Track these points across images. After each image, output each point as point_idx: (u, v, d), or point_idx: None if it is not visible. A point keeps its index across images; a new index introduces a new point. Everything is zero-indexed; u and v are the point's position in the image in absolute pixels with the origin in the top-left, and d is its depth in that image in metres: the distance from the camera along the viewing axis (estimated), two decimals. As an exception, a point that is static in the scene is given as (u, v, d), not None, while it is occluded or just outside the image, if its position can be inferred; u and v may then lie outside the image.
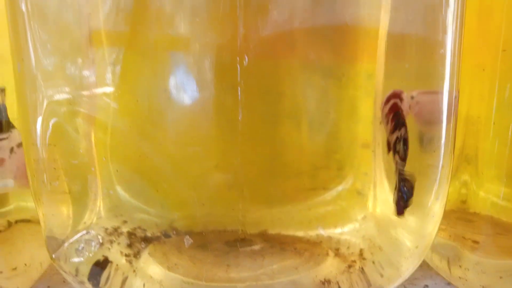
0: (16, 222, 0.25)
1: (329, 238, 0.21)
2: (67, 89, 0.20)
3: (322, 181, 0.22)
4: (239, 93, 0.20)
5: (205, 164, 0.21)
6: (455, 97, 0.21)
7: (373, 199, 0.22)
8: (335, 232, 0.22)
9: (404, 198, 0.20)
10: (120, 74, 0.20)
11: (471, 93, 0.26)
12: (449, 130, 0.21)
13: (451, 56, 0.21)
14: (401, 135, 0.20)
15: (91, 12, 0.20)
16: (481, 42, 0.25)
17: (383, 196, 0.22)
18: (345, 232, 0.22)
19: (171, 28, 0.20)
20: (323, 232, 0.22)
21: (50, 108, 0.20)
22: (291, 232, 0.22)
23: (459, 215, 0.25)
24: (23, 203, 0.25)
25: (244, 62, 0.19)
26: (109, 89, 0.20)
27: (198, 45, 0.20)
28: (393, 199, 0.21)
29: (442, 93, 0.21)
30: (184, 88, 0.20)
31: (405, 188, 0.20)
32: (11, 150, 0.24)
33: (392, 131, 0.20)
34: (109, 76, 0.20)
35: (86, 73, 0.20)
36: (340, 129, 0.22)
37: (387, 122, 0.20)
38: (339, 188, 0.22)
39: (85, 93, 0.20)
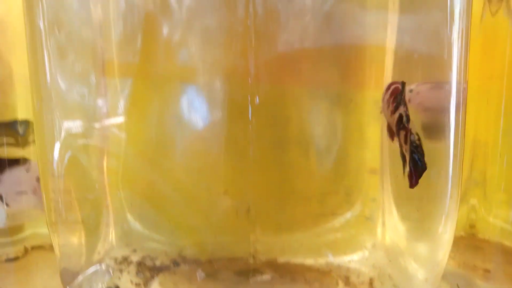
0: (32, 248, 0.25)
1: (339, 266, 0.21)
2: (82, 121, 0.20)
3: (331, 207, 0.22)
4: (249, 118, 0.20)
5: (214, 191, 0.21)
6: (462, 118, 0.21)
7: (382, 226, 0.21)
8: (345, 259, 0.21)
9: (418, 164, 0.19)
10: (130, 104, 0.20)
11: (478, 118, 0.25)
12: (456, 146, 0.21)
13: (457, 73, 0.20)
14: (404, 112, 0.19)
15: (104, 43, 0.20)
16: (487, 67, 0.25)
17: (392, 223, 0.21)
18: (355, 260, 0.21)
19: (181, 58, 0.20)
20: (333, 259, 0.21)
21: (66, 141, 0.20)
22: (300, 259, 0.21)
23: (468, 242, 0.24)
24: (37, 229, 0.25)
25: (255, 94, 0.19)
26: (121, 119, 0.20)
27: (208, 75, 0.20)
28: (406, 172, 0.20)
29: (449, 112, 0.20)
30: (193, 116, 0.20)
31: (417, 156, 0.20)
32: (37, 179, 0.25)
33: (394, 111, 0.19)
34: (120, 106, 0.20)
35: (99, 104, 0.20)
36: (347, 155, 0.21)
37: (388, 106, 0.19)
38: (348, 214, 0.21)
39: (98, 124, 0.20)
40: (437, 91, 0.20)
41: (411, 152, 0.19)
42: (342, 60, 0.20)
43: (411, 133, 0.19)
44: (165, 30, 0.19)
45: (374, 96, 0.21)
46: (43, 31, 0.20)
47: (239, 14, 0.18)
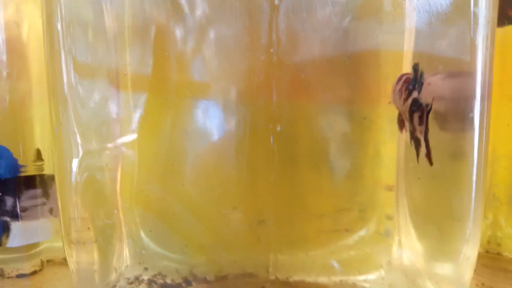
0: (48, 261, 0.25)
1: (354, 285, 0.20)
2: (98, 140, 0.20)
3: (344, 224, 0.21)
4: (261, 135, 0.19)
5: (225, 207, 0.20)
6: (486, 134, 0.20)
7: (398, 245, 0.20)
8: (359, 279, 0.20)
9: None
10: (143, 120, 0.20)
11: (496, 131, 0.24)
12: (480, 160, 0.20)
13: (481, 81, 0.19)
14: (417, 95, 0.19)
15: (119, 59, 0.20)
16: (505, 80, 0.24)
17: (409, 242, 0.20)
18: (370, 279, 0.20)
19: (195, 75, 0.19)
20: (347, 278, 0.20)
21: (83, 161, 0.20)
22: (313, 277, 0.20)
23: (485, 262, 0.23)
24: (51, 243, 0.25)
25: (268, 113, 0.19)
26: (133, 136, 0.20)
27: (219, 90, 0.19)
28: (420, 155, 0.19)
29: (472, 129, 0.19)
30: (204, 132, 0.19)
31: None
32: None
33: (406, 98, 0.19)
34: (133, 122, 0.20)
35: (114, 122, 0.20)
36: (362, 172, 0.21)
37: (400, 95, 0.19)
38: (362, 232, 0.21)
39: (112, 142, 0.20)
40: (450, 80, 0.19)
41: (427, 132, 0.19)
42: (357, 77, 0.20)
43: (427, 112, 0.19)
44: (180, 47, 0.19)
45: (390, 113, 0.20)
46: (63, 55, 0.20)
47: (262, 41, 0.18)
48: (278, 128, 0.19)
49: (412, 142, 0.19)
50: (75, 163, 0.20)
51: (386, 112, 0.20)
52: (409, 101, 0.19)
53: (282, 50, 0.18)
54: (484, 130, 0.20)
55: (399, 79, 0.19)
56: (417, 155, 0.19)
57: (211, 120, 0.19)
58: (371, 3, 0.19)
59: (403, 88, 0.19)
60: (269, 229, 0.20)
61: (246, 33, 0.18)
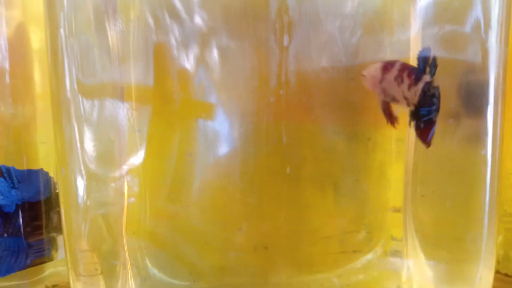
0: (53, 286, 0.25)
1: (362, 311, 0.19)
2: (104, 170, 0.20)
3: (351, 246, 0.20)
4: (266, 157, 0.19)
5: (230, 229, 0.19)
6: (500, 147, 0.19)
7: (407, 269, 0.19)
8: (368, 305, 0.19)
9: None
10: (147, 143, 0.19)
11: (505, 149, 0.23)
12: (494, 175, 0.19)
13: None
14: (429, 81, 0.18)
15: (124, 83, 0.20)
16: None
17: (419, 266, 0.19)
18: (379, 306, 0.19)
19: (198, 95, 0.19)
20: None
21: (89, 199, 0.19)
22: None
23: (496, 284, 0.22)
24: (56, 268, 0.24)
25: (272, 133, 0.18)
26: (138, 162, 0.19)
27: (224, 113, 0.19)
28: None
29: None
30: (209, 153, 0.19)
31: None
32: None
33: (415, 83, 0.18)
34: (138, 146, 0.19)
35: (120, 148, 0.19)
36: (368, 194, 0.20)
37: (401, 82, 0.18)
38: (370, 255, 0.20)
39: (118, 172, 0.19)
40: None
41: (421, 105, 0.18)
42: (362, 100, 0.19)
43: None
44: (190, 91, 0.19)
45: (396, 134, 0.19)
46: (68, 88, 0.19)
47: (271, 84, 0.18)
48: (284, 150, 0.19)
49: (421, 126, 0.19)
50: (81, 199, 0.19)
51: (392, 133, 0.19)
52: (420, 86, 0.18)
53: (291, 92, 0.18)
54: (498, 142, 0.19)
55: (387, 68, 0.18)
56: (427, 139, 0.19)
57: (215, 144, 0.19)
58: (378, 46, 0.19)
59: (404, 75, 0.18)
60: (275, 252, 0.19)
61: (255, 75, 0.18)
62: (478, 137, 0.20)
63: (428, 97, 0.18)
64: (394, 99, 0.18)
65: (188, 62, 0.18)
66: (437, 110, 0.19)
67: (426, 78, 0.18)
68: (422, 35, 0.19)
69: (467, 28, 0.19)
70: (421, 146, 0.19)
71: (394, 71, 0.18)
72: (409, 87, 0.18)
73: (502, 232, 0.23)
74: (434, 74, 0.18)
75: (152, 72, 0.19)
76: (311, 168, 0.19)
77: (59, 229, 0.25)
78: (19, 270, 0.24)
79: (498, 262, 0.23)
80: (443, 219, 0.19)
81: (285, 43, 0.17)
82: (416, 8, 0.19)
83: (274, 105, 0.18)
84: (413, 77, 0.18)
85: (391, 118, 0.19)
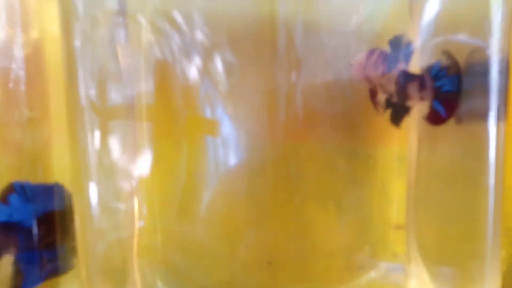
0: None
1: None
2: (116, 188, 0.20)
3: (354, 262, 0.20)
4: (270, 174, 0.19)
5: (235, 246, 0.20)
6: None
7: (410, 286, 0.19)
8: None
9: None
10: (154, 162, 0.20)
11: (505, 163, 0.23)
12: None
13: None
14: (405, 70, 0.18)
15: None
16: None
17: (421, 284, 0.19)
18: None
19: (203, 112, 0.19)
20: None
21: (104, 223, 0.19)
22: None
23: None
24: (69, 285, 0.25)
25: (276, 151, 0.18)
26: (147, 179, 0.20)
27: (230, 130, 0.19)
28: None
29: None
30: (214, 171, 0.19)
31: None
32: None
33: (388, 69, 0.18)
34: (147, 165, 0.20)
35: (130, 167, 0.20)
36: (370, 211, 0.20)
37: (378, 68, 0.18)
38: (373, 272, 0.20)
39: (129, 187, 0.20)
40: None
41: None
42: (362, 118, 0.19)
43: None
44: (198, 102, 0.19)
45: (398, 152, 0.19)
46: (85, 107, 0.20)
47: (279, 116, 0.18)
48: (289, 169, 0.19)
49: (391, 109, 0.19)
50: (97, 222, 0.19)
51: (394, 151, 0.19)
52: (394, 73, 0.18)
53: (296, 111, 0.18)
54: (501, 157, 0.19)
55: (369, 55, 0.18)
56: (398, 120, 0.18)
57: (215, 159, 0.19)
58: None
59: (379, 61, 0.18)
60: (279, 267, 0.19)
61: (264, 111, 0.18)
62: (481, 154, 0.19)
63: (410, 84, 0.18)
64: (374, 86, 0.18)
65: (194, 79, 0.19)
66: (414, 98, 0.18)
67: (401, 65, 0.18)
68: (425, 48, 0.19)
69: (469, 37, 0.18)
70: (423, 163, 0.19)
71: (374, 58, 0.18)
72: (383, 73, 0.18)
73: (506, 246, 0.23)
74: (409, 61, 0.18)
75: (159, 90, 0.19)
76: (315, 186, 0.19)
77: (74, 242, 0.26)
78: (38, 284, 0.24)
79: (503, 277, 0.23)
80: (445, 236, 0.19)
81: (292, 78, 0.18)
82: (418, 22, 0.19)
83: (279, 123, 0.18)
84: (386, 63, 0.18)
85: (375, 106, 0.19)
